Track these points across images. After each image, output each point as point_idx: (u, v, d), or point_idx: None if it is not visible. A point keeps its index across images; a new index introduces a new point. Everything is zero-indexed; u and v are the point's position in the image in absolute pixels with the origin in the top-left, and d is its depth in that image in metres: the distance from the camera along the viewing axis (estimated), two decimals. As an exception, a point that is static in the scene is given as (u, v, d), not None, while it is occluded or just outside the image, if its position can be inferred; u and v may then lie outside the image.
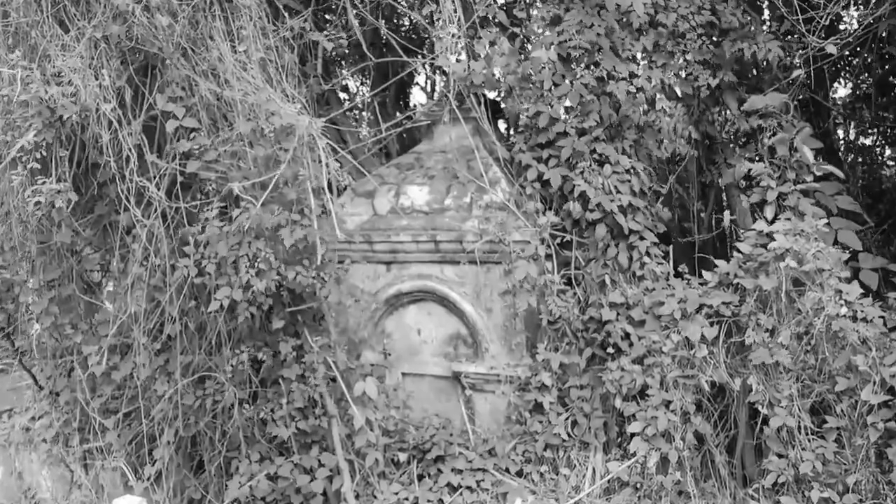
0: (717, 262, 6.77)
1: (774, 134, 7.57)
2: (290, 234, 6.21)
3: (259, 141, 6.54)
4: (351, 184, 8.04)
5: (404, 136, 10.72)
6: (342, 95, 10.74)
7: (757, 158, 7.69)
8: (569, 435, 6.98)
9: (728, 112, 7.93)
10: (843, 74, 10.74)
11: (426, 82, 11.28)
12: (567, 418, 7.02)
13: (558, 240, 7.32)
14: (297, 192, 6.46)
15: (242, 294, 6.25)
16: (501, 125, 9.35)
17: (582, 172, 7.16)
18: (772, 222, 6.73)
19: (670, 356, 6.53)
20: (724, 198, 8.99)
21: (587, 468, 6.91)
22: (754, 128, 7.78)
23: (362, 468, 6.93)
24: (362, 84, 11.08)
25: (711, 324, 6.46)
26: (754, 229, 6.56)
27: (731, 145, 8.26)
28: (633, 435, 6.56)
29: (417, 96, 13.41)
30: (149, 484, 7.04)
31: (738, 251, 6.61)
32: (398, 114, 9.60)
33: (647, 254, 7.16)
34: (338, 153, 6.99)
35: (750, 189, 8.26)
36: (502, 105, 8.14)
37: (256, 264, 6.11)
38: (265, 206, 6.40)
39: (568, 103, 7.29)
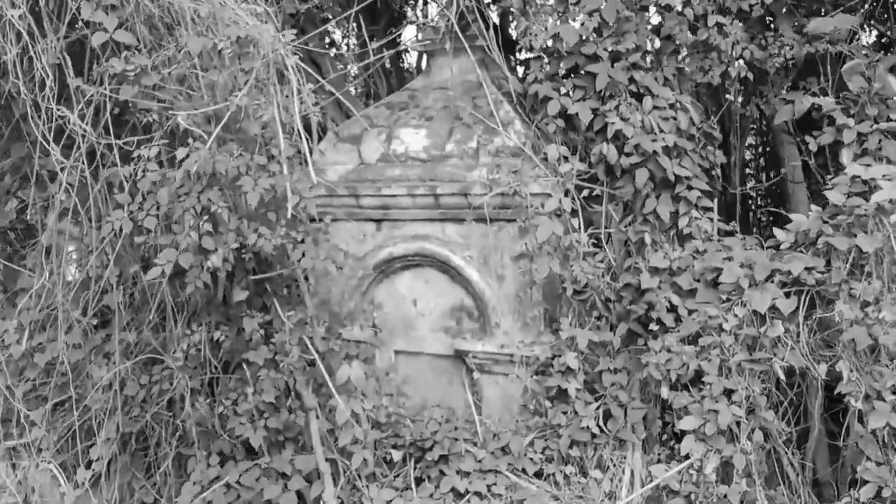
0: (792, 216, 5.16)
1: (843, 63, 5.93)
2: (254, 183, 4.55)
3: (214, 62, 4.85)
4: (333, 127, 6.38)
5: (392, 79, 9.03)
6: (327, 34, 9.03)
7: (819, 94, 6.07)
8: (600, 429, 5.39)
9: (781, 40, 6.26)
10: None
11: (422, 7, 9.51)
12: (598, 409, 5.42)
13: (585, 192, 5.69)
14: (261, 129, 4.79)
15: (193, 258, 4.60)
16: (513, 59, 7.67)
17: (617, 107, 5.51)
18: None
19: (732, 335, 4.93)
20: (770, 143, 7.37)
21: (623, 471, 5.33)
22: (817, 57, 6.15)
23: (348, 470, 5.33)
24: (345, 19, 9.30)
25: (787, 294, 4.86)
26: (847, 173, 4.94)
27: (785, 79, 6.60)
28: (683, 433, 4.97)
29: (410, 33, 11.81)
30: (84, 489, 5.41)
31: (807, 209, 5.01)
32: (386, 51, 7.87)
33: (696, 206, 5.54)
34: (315, 83, 5.32)
35: (803, 132, 6.63)
36: (514, 24, 6.41)
37: (202, 224, 4.46)
38: (221, 147, 4.73)
39: (597, 22, 5.60)
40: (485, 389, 6.02)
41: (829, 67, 6.20)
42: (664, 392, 5.09)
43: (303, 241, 4.75)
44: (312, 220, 5.54)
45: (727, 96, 6.56)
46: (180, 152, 4.53)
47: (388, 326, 6.31)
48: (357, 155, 6.33)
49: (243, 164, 4.60)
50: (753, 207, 8.36)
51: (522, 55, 7.63)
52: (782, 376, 4.83)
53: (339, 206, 6.23)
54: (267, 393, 4.96)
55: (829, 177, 5.32)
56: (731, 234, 5.76)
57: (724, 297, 5.07)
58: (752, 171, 8.30)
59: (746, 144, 7.61)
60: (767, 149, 8.10)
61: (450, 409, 6.04)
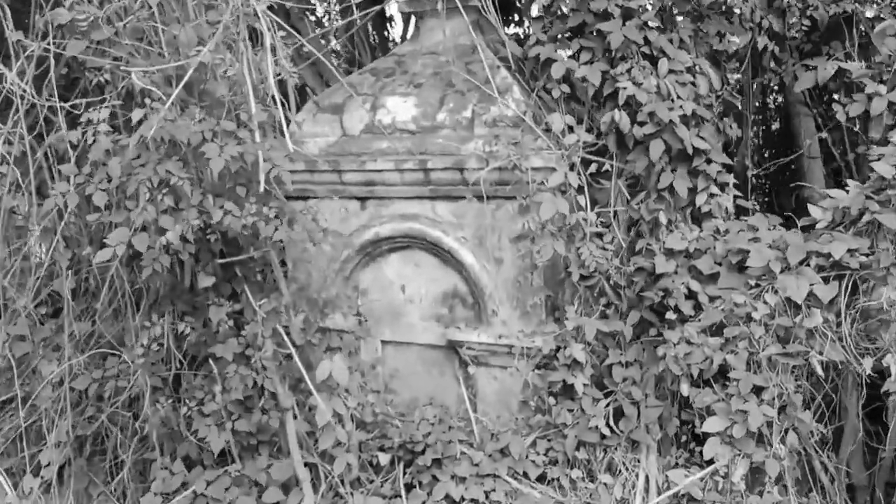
0: (832, 192, 4.53)
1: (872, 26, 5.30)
2: (219, 151, 3.86)
3: (175, 14, 4.15)
4: (313, 97, 5.70)
5: (377, 52, 8.31)
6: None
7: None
8: (611, 429, 4.76)
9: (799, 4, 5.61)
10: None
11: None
12: (608, 406, 4.78)
13: (592, 168, 5.02)
14: (230, 92, 4.10)
15: (149, 238, 3.91)
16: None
17: (629, 70, 4.85)
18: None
19: (762, 325, 4.29)
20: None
21: (637, 476, 4.69)
22: (842, 20, 5.51)
23: (329, 476, 4.67)
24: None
25: (825, 280, 4.22)
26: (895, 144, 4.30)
27: (805, 43, 5.94)
28: (705, 435, 4.34)
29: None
30: (33, 498, 4.72)
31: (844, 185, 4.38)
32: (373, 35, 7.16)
33: (715, 182, 4.89)
34: (291, 40, 4.63)
35: (823, 104, 6.02)
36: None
37: (160, 198, 3.77)
38: (183, 111, 4.04)
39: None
40: (481, 384, 5.37)
41: (855, 30, 5.56)
42: (684, 389, 4.46)
43: (276, 218, 4.05)
44: (289, 198, 4.87)
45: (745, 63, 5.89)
46: (136, 114, 3.83)
47: (374, 315, 5.65)
48: (339, 126, 5.65)
49: (208, 129, 3.90)
50: (763, 186, 7.73)
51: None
52: (820, 371, 4.20)
53: (320, 182, 5.55)
54: (236, 391, 4.28)
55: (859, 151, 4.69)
56: (747, 212, 5.14)
57: (751, 282, 4.43)
58: (762, 147, 7.65)
59: (755, 118, 6.95)
60: (781, 123, 7.46)
61: (443, 407, 5.39)
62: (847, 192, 4.40)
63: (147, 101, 3.90)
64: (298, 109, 5.89)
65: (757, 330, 4.27)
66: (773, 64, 6.04)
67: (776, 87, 6.34)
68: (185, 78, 3.90)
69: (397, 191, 5.40)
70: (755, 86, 6.47)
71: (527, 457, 4.88)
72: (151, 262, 3.96)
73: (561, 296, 5.26)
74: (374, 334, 5.59)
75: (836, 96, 6.14)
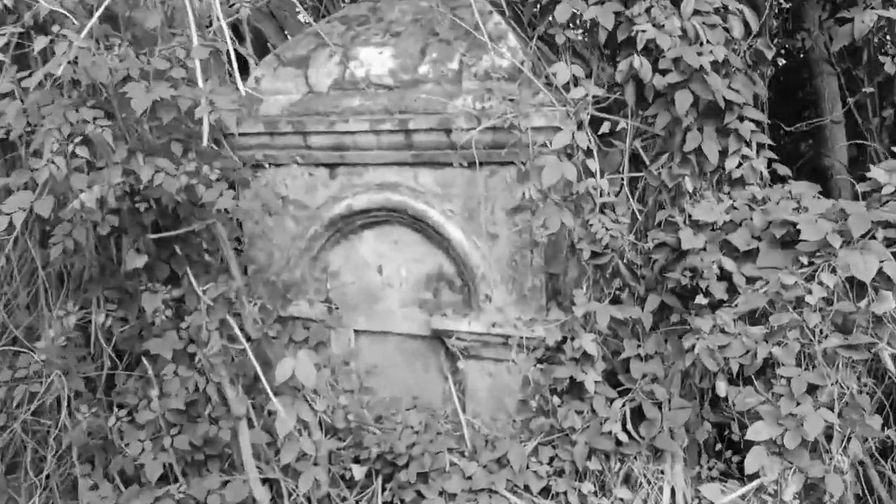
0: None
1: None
2: (146, 92, 2.94)
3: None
4: (273, 49, 4.78)
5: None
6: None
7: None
8: (629, 435, 3.92)
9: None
10: None
11: None
12: (624, 407, 3.94)
13: (604, 127, 4.16)
14: (164, 23, 3.18)
15: (58, 204, 2.99)
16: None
17: (648, 10, 3.98)
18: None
19: (817, 311, 3.45)
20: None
21: (661, 490, 3.85)
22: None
23: (294, 494, 3.79)
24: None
25: (896, 255, 3.40)
26: None
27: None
28: (748, 443, 3.51)
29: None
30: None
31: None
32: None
33: (748, 143, 4.05)
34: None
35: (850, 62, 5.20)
36: None
37: (72, 150, 2.86)
38: (108, 49, 3.12)
39: None
40: (471, 380, 4.51)
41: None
42: (721, 388, 3.62)
43: (221, 181, 3.14)
44: (247, 165, 3.98)
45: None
46: (38, 43, 2.90)
47: (347, 300, 4.77)
48: (304, 81, 4.74)
49: (134, 66, 2.98)
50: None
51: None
52: (892, 366, 3.37)
53: (282, 146, 4.64)
54: (176, 397, 3.38)
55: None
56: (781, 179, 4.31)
57: (803, 259, 3.59)
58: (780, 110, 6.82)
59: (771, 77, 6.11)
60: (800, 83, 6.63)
61: (429, 410, 4.52)
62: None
63: (57, 29, 2.98)
64: (257, 65, 4.98)
65: (811, 317, 3.43)
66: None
67: (802, 43, 5.51)
68: (106, 2, 2.98)
69: (373, 156, 4.52)
70: (774, 40, 5.63)
71: (528, 467, 4.03)
72: (63, 237, 3.04)
73: (563, 277, 4.41)
74: (347, 323, 4.71)
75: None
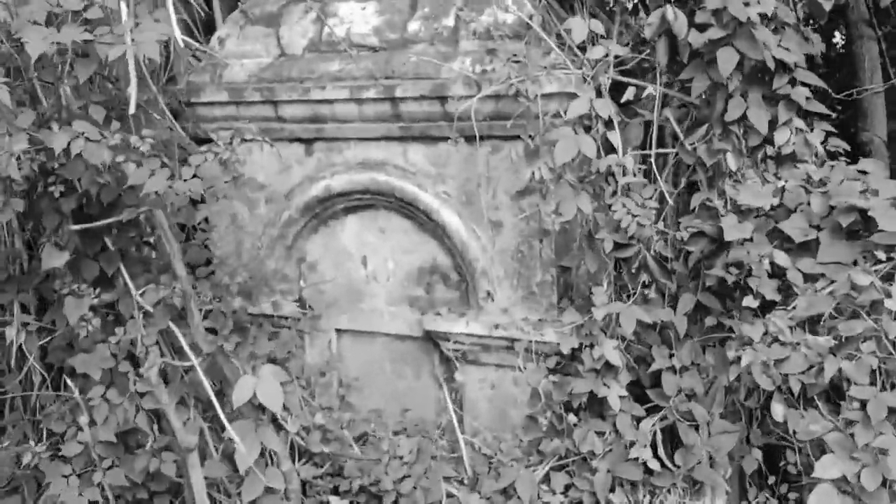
0: None
1: None
2: (44, 35, 2.20)
3: None
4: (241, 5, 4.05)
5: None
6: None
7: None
8: (661, 463, 3.21)
9: None
10: None
11: None
12: (654, 428, 3.23)
13: (628, 93, 3.42)
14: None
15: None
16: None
17: (684, -49, 3.25)
18: None
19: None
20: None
21: (699, 529, 3.16)
22: None
23: (258, 534, 3.08)
24: None
25: None
26: None
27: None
28: (811, 481, 2.80)
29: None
30: None
31: None
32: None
33: (800, 114, 3.32)
34: None
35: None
36: None
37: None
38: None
39: None
40: (470, 390, 3.81)
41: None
42: (778, 411, 2.91)
43: (155, 157, 2.40)
44: (205, 141, 3.23)
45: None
46: None
47: (327, 297, 4.05)
48: (275, 42, 4.00)
49: (40, 10, 2.24)
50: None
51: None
52: None
53: (249, 118, 3.91)
54: (105, 427, 2.66)
55: None
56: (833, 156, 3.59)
57: (878, 254, 2.88)
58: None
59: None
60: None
61: (421, 427, 3.82)
62: None
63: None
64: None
65: (891, 326, 2.73)
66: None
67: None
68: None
69: (355, 129, 3.79)
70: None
71: (539, 497, 3.33)
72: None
73: (575, 272, 3.71)
74: (326, 325, 3.99)
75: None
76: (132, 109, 2.37)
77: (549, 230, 3.53)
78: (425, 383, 4.03)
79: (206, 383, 2.79)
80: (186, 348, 2.85)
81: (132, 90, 2.34)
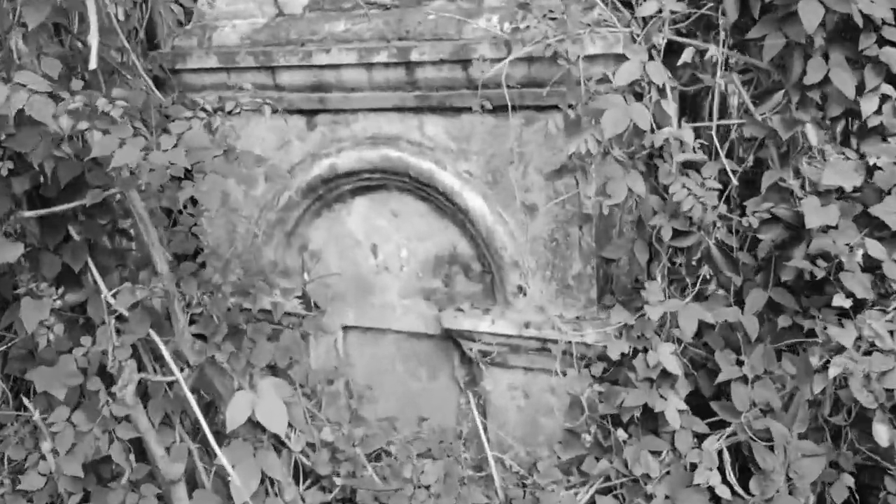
0: None
1: None
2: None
3: None
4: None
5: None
6: None
7: None
8: (731, 490, 2.70)
9: None
10: None
11: None
12: (720, 448, 2.72)
13: (685, 55, 2.88)
14: None
15: None
16: None
17: None
18: None
19: None
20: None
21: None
22: None
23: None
24: None
25: None
26: None
27: None
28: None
29: None
30: None
31: None
32: None
33: (889, 80, 2.80)
34: None
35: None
36: None
37: None
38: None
39: None
40: (496, 396, 3.30)
41: None
42: (882, 434, 2.40)
43: (131, 124, 1.86)
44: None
45: None
46: None
47: (331, 289, 3.53)
48: (272, 0, 3.44)
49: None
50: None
51: None
52: None
53: (243, 87, 3.35)
54: (70, 458, 2.13)
55: None
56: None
57: None
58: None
59: None
60: None
61: (440, 435, 3.31)
62: None
63: None
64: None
65: None
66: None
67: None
68: None
69: (364, 99, 3.26)
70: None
71: (582, 525, 2.83)
72: None
73: (615, 265, 3.20)
74: (331, 324, 3.47)
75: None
76: (93, 63, 1.84)
77: (589, 215, 3.01)
78: (443, 386, 3.53)
79: (193, 402, 2.27)
80: (169, 360, 2.32)
81: (93, 39, 1.80)
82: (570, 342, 2.99)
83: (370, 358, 3.64)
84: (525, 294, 3.11)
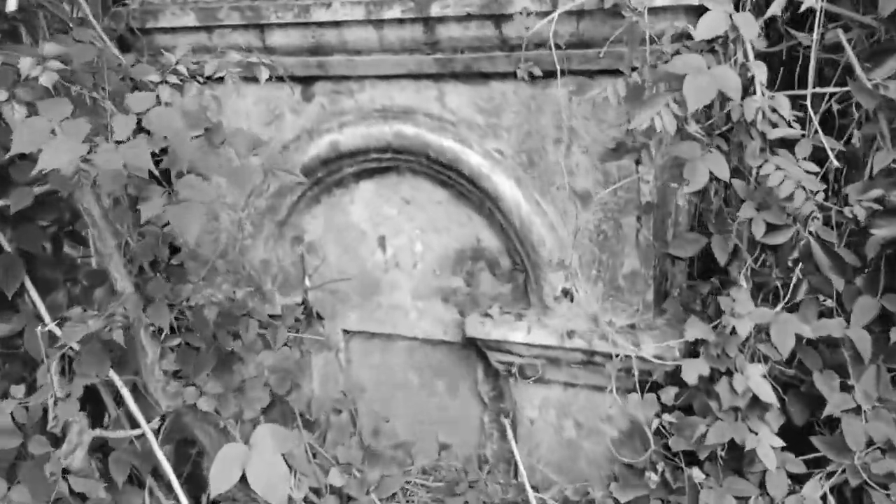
0: None
1: None
2: None
3: None
4: None
5: None
6: None
7: None
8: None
9: None
10: None
11: None
12: (823, 490, 2.16)
13: (772, 10, 2.27)
14: None
15: None
16: None
17: None
18: None
19: None
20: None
21: None
22: None
23: None
24: None
25: None
26: None
27: None
28: None
29: None
30: None
31: None
32: None
33: None
34: None
35: None
36: None
37: None
38: None
39: None
40: (528, 415, 2.73)
41: None
42: None
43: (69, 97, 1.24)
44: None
45: None
46: None
47: (331, 289, 2.94)
48: (259, -56, 2.80)
49: None
50: None
51: None
52: None
53: (226, 48, 2.71)
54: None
55: None
56: None
57: None
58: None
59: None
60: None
61: (466, 464, 2.73)
62: None
63: None
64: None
65: None
66: None
67: None
68: None
69: (372, 64, 2.64)
70: None
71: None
72: None
73: (673, 264, 2.62)
74: (336, 338, 2.86)
75: None
76: (11, 5, 1.21)
77: (651, 203, 2.42)
78: (464, 402, 2.95)
79: (165, 462, 1.67)
80: (134, 409, 1.71)
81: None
82: (628, 356, 2.41)
83: (377, 368, 3.05)
84: (572, 299, 2.51)
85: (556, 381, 2.70)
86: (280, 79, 2.75)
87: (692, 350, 2.37)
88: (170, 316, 1.81)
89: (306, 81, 2.76)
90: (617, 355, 2.42)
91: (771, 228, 2.18)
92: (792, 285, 2.25)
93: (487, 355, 2.78)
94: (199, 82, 2.02)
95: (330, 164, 2.80)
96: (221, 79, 2.73)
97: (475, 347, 2.83)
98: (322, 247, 2.99)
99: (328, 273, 2.95)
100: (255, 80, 2.69)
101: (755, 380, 2.14)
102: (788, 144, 2.27)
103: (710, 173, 2.16)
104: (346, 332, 3.05)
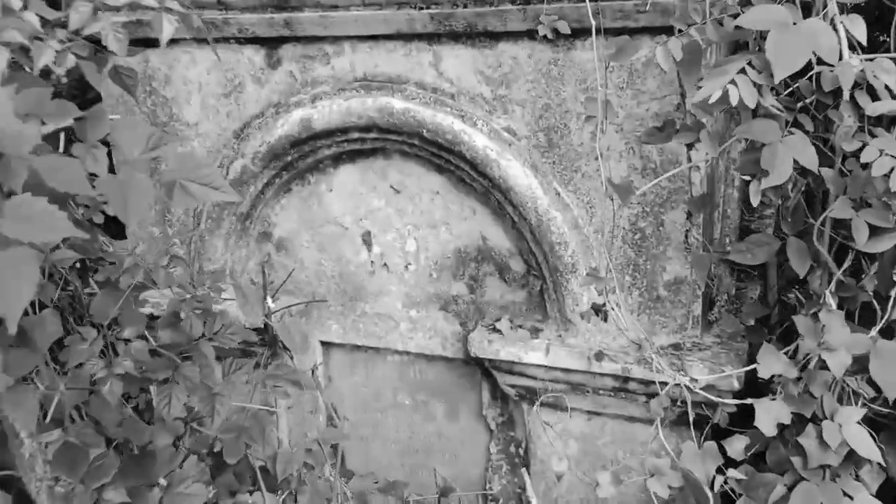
0: None
1: None
2: None
3: None
4: None
5: None
6: None
7: None
8: None
9: None
10: None
11: None
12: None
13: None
14: None
15: None
16: None
17: None
18: None
19: None
20: None
21: None
22: None
23: None
24: None
25: None
26: None
27: None
28: None
29: None
30: None
31: None
32: None
33: None
34: None
35: None
36: None
37: None
38: None
39: None
40: (544, 450, 2.19)
41: None
42: None
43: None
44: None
45: None
46: None
47: (305, 291, 2.38)
48: None
49: None
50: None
51: None
52: None
53: (170, 6, 2.11)
54: None
55: None
56: None
57: None
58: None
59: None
60: None
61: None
62: None
63: None
64: None
65: None
66: None
67: None
68: None
69: (352, 21, 2.05)
70: None
71: None
72: None
73: (727, 268, 2.09)
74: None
75: None
76: None
77: (705, 196, 1.87)
78: (466, 426, 2.41)
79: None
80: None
81: None
82: (678, 385, 1.87)
83: (362, 388, 2.51)
84: (605, 318, 1.96)
85: (580, 409, 2.16)
86: (239, 41, 2.17)
87: (753, 377, 1.84)
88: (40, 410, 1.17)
89: (271, 43, 2.17)
90: (663, 383, 1.87)
91: (874, 232, 1.63)
92: (892, 303, 1.70)
93: (496, 378, 2.24)
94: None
95: (302, 145, 2.22)
96: (176, 41, 2.16)
97: (480, 367, 2.29)
98: (294, 244, 2.42)
99: (303, 275, 2.39)
100: (205, 41, 2.11)
101: (851, 429, 1.61)
102: (886, 124, 1.72)
103: (796, 162, 1.61)
104: (324, 344, 2.50)
